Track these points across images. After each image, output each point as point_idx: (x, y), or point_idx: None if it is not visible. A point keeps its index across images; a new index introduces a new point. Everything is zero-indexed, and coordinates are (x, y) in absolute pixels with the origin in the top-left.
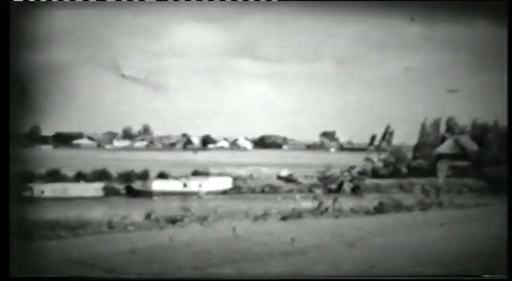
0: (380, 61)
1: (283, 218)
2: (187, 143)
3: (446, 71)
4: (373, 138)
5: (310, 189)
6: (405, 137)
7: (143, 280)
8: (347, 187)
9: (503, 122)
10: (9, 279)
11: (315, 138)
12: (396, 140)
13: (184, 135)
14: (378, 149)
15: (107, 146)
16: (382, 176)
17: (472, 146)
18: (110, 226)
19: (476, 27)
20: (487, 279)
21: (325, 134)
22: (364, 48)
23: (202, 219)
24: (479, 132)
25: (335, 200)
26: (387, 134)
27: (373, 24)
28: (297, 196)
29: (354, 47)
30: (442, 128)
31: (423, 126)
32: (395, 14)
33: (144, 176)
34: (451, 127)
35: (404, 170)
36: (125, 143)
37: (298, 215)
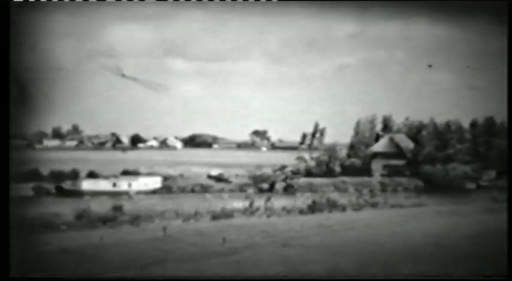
0: (313, 60)
1: (214, 218)
2: (116, 142)
3: (380, 69)
4: (304, 136)
5: (241, 188)
6: (339, 135)
7: (143, 280)
8: (279, 186)
9: (440, 119)
10: (9, 279)
11: (246, 137)
12: (330, 139)
13: (114, 134)
14: (311, 147)
15: (37, 146)
16: (316, 175)
17: (408, 145)
18: (42, 225)
19: (412, 26)
20: (487, 279)
21: (256, 133)
22: (297, 47)
23: (133, 219)
24: (415, 131)
25: (267, 199)
26: (318, 133)
27: (306, 23)
28: (225, 195)
29: (286, 46)
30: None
31: (358, 125)
32: (329, 13)
33: (74, 175)
34: (386, 125)
35: (338, 169)
36: (55, 142)
37: (229, 214)
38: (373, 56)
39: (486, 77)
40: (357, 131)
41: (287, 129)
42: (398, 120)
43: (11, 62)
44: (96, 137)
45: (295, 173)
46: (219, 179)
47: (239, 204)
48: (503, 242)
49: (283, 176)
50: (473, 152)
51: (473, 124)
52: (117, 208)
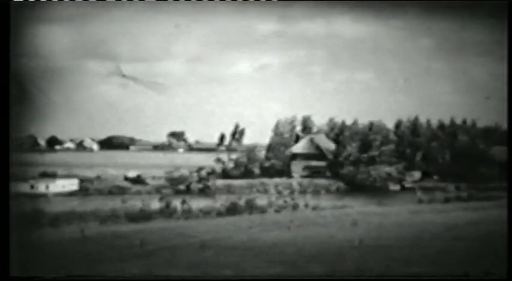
0: (233, 59)
1: (132, 220)
2: (34, 144)
3: (302, 68)
4: (222, 138)
5: (158, 190)
6: (258, 136)
7: (143, 280)
8: (195, 187)
9: (364, 120)
10: (9, 279)
11: (163, 138)
12: (249, 140)
13: (31, 136)
14: (229, 149)
15: None
16: (234, 177)
17: (329, 146)
18: None
19: (335, 25)
20: (487, 279)
21: (173, 134)
22: (218, 47)
23: (52, 221)
24: (337, 131)
25: (182, 201)
26: (237, 134)
27: (227, 22)
28: (142, 197)
29: (206, 46)
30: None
31: (277, 126)
32: (250, 11)
33: None
34: (307, 126)
35: (256, 170)
36: None
37: (147, 216)
38: (294, 56)
39: (409, 76)
40: (276, 132)
41: (205, 130)
42: (319, 121)
43: (11, 62)
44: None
45: (212, 174)
46: (135, 181)
47: (156, 206)
48: (462, 243)
49: (199, 178)
50: (397, 153)
51: (398, 125)
52: (36, 210)
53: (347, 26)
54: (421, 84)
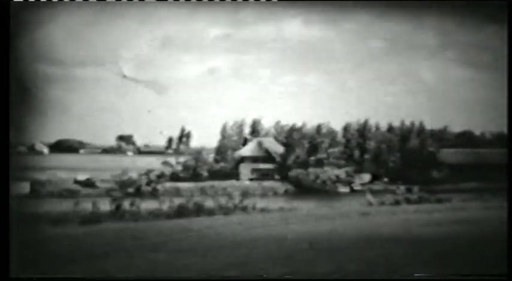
0: (182, 62)
1: (82, 223)
2: None
3: (251, 71)
4: (170, 141)
5: (107, 193)
6: (206, 139)
7: (143, 280)
8: (145, 190)
9: (312, 122)
10: (9, 279)
11: (112, 142)
12: (197, 143)
13: None
14: (177, 152)
15: None
16: (183, 180)
17: (277, 148)
18: None
19: (285, 28)
20: (487, 279)
21: (121, 138)
22: (166, 49)
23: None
24: (286, 134)
25: (131, 203)
26: (184, 137)
27: (176, 24)
28: (94, 200)
29: (155, 49)
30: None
31: (224, 129)
32: (199, 14)
33: None
34: (255, 129)
35: (205, 173)
36: None
37: (97, 219)
38: (243, 59)
39: (359, 79)
40: (224, 135)
41: (153, 133)
42: (268, 124)
43: (11, 62)
44: None
45: (160, 177)
46: (85, 183)
47: (106, 208)
48: (416, 245)
49: (148, 181)
50: (346, 155)
51: (346, 128)
52: None
53: (297, 29)
54: (371, 87)
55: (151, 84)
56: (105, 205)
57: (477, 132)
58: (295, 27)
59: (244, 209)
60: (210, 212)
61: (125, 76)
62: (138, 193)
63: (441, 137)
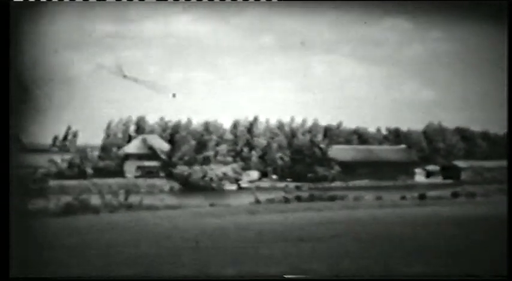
0: (69, 61)
1: None
2: None
3: (138, 69)
4: (55, 139)
5: None
6: (91, 137)
7: (143, 280)
8: (31, 188)
9: (200, 119)
10: (9, 279)
11: None
12: (82, 141)
13: None
14: (62, 150)
15: None
16: (68, 177)
17: (162, 146)
18: None
19: (173, 25)
20: (487, 279)
21: None
22: (54, 48)
23: None
24: (171, 131)
25: None
26: (69, 135)
27: (64, 22)
28: None
29: (43, 47)
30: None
31: (109, 126)
32: (87, 12)
33: None
34: (140, 126)
35: (90, 171)
36: None
37: None
38: (130, 56)
39: (249, 75)
40: (108, 133)
41: (38, 131)
42: (153, 121)
43: (11, 62)
44: None
45: (46, 175)
46: None
47: None
48: (308, 244)
49: (33, 179)
50: (234, 153)
51: (235, 124)
52: None
53: (186, 26)
54: (261, 83)
55: (150, 85)
56: None
57: (372, 128)
58: (183, 23)
59: (129, 207)
60: (96, 210)
61: (125, 76)
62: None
63: (333, 133)
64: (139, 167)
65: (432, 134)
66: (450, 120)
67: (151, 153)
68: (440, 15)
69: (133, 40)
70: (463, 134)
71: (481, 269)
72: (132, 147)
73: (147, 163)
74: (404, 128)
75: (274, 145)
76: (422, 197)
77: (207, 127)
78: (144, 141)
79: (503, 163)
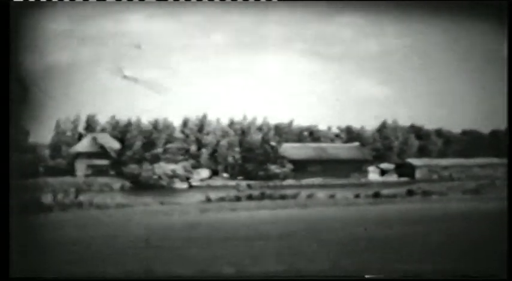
0: (21, 59)
1: None
2: None
3: (87, 68)
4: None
5: None
6: (41, 136)
7: (143, 280)
8: None
9: (149, 117)
10: (9, 279)
11: None
12: (31, 140)
13: None
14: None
15: None
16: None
17: (112, 144)
18: None
19: (125, 23)
20: (487, 279)
21: None
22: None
23: None
24: (121, 130)
25: None
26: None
27: (16, 22)
28: None
29: None
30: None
31: (58, 125)
32: (42, 12)
33: None
34: (90, 125)
35: (41, 169)
36: None
37: None
38: (81, 55)
39: (200, 73)
40: (57, 131)
41: None
42: (103, 119)
43: (11, 62)
44: None
45: None
46: None
47: None
48: (260, 242)
49: None
50: (184, 150)
51: (185, 123)
52: None
53: (137, 24)
54: (212, 81)
55: (150, 85)
56: None
57: (324, 126)
58: (135, 22)
59: (80, 205)
60: (48, 208)
61: (125, 76)
62: None
63: (284, 131)
64: (89, 166)
65: (386, 132)
66: (405, 117)
67: (102, 151)
68: (395, 12)
69: (84, 39)
70: (417, 131)
71: (430, 268)
72: (83, 146)
73: (97, 162)
74: (358, 125)
75: (225, 143)
76: (376, 195)
77: (156, 125)
78: (95, 139)
79: (460, 160)
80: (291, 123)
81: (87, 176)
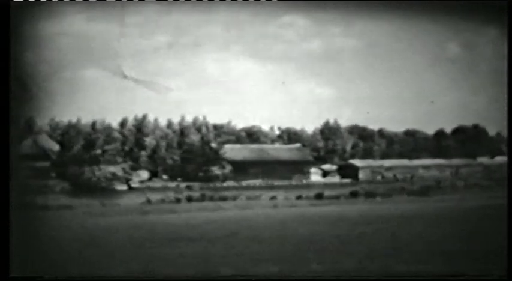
0: None
1: None
2: None
3: (30, 68)
4: None
5: None
6: None
7: (143, 280)
8: None
9: (88, 119)
10: (9, 279)
11: None
12: None
13: None
14: None
15: None
16: None
17: (52, 146)
18: None
19: (67, 25)
20: (487, 279)
21: None
22: None
23: None
24: (61, 131)
25: None
26: None
27: None
28: None
29: None
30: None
31: None
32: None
33: None
34: (29, 127)
35: None
36: None
37: None
38: (24, 56)
39: (139, 74)
40: None
41: None
42: (42, 121)
43: (11, 62)
44: None
45: None
46: None
47: None
48: (203, 243)
49: None
50: (123, 152)
51: (123, 123)
52: None
53: (79, 25)
54: (152, 82)
55: (150, 85)
56: None
57: (265, 127)
58: (77, 23)
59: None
60: None
61: (125, 76)
62: None
63: (223, 132)
64: (31, 168)
65: (328, 133)
66: (348, 118)
67: (42, 153)
68: (340, 12)
69: (26, 40)
70: (360, 132)
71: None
72: (23, 147)
73: (38, 164)
74: (300, 126)
75: (164, 144)
76: (319, 196)
77: (94, 126)
78: (35, 141)
79: (404, 161)
80: (230, 124)
81: (28, 178)
